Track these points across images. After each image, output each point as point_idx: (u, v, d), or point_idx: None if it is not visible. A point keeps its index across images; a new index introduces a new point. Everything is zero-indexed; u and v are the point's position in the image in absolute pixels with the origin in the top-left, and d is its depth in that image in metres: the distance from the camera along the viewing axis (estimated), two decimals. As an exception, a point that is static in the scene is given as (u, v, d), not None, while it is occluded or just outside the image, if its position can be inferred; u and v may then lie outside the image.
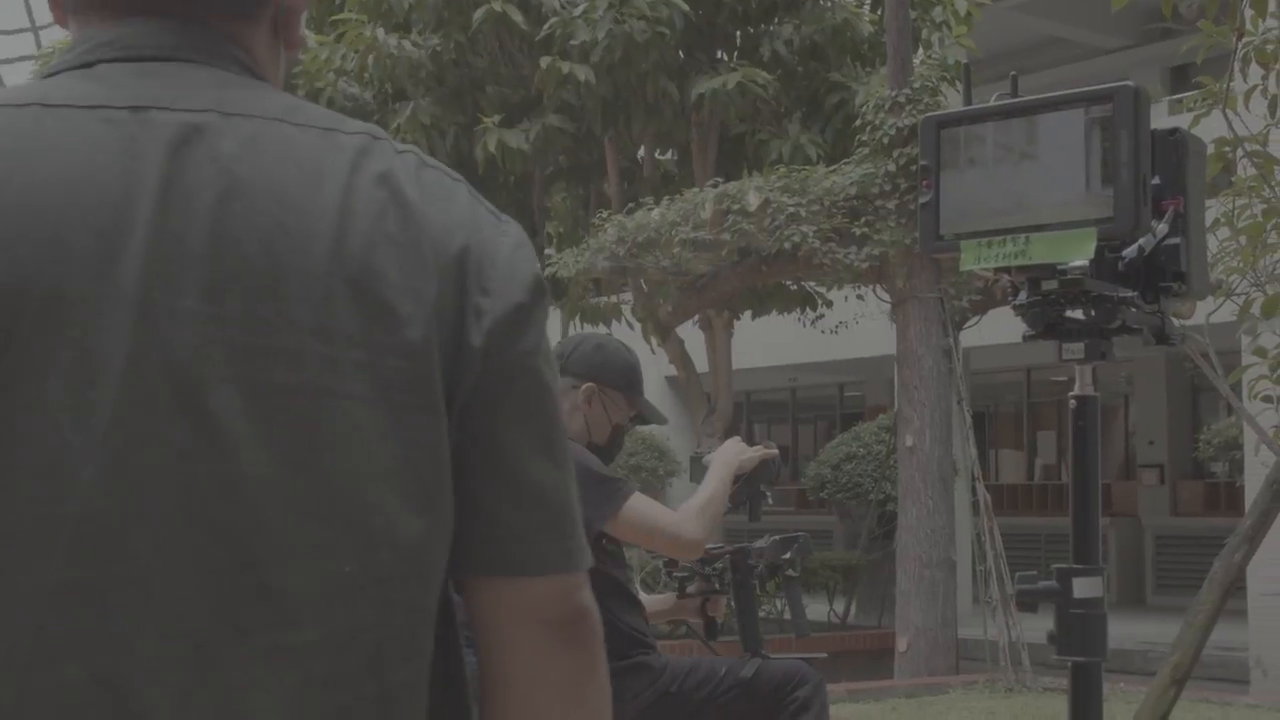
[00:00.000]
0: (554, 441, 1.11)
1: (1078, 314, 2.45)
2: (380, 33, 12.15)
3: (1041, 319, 2.45)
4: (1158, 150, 2.39)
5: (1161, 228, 2.39)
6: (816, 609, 14.24)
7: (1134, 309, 2.43)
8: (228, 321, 1.00)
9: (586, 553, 1.14)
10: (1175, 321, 2.61)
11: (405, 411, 1.04)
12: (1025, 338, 2.50)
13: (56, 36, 15.37)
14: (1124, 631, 12.62)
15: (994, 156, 2.45)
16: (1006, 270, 2.48)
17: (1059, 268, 2.38)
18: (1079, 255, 2.33)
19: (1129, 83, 2.34)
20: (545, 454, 1.10)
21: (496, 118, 11.95)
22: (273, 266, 1.02)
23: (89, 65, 1.08)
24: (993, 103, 2.49)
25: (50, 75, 1.09)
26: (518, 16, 11.69)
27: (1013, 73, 2.65)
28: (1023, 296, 2.47)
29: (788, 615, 3.94)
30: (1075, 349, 2.45)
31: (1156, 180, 2.38)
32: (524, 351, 1.09)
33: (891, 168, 10.06)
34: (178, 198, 1.01)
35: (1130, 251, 2.38)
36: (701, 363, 12.86)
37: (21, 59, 27.04)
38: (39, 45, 26.89)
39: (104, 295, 0.98)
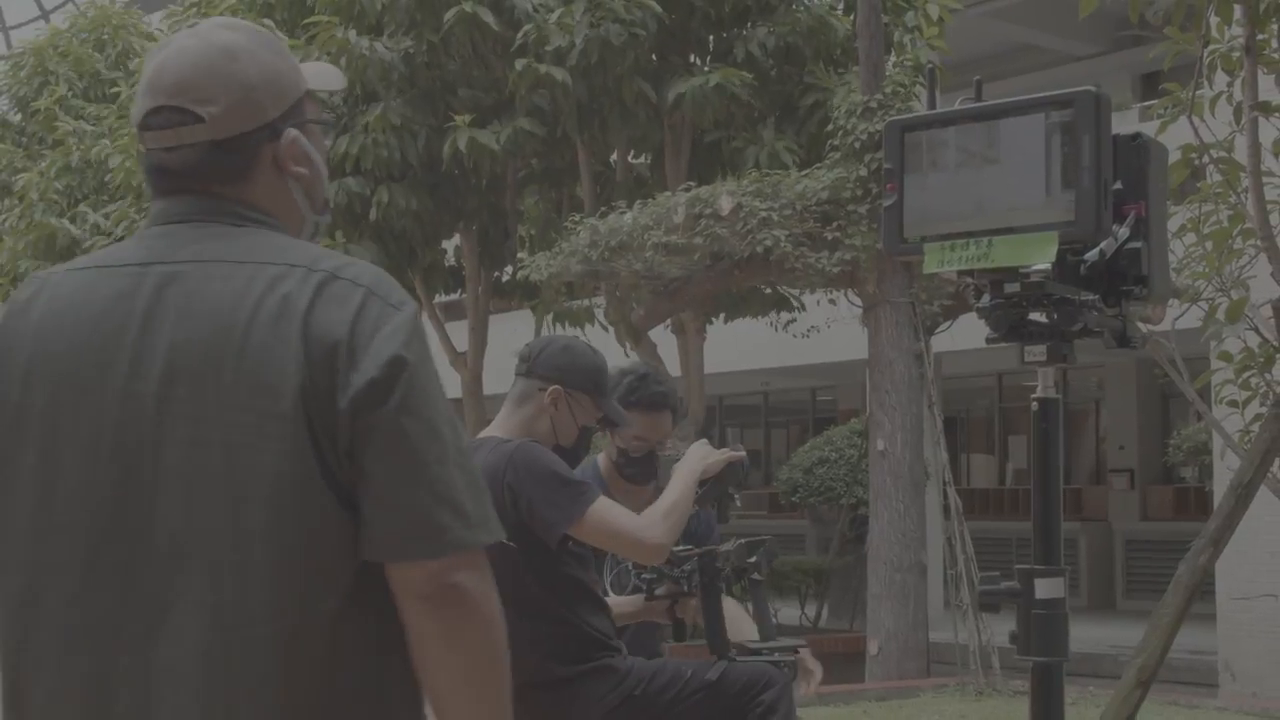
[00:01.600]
0: (415, 469, 1.62)
1: (1040, 317, 2.46)
2: (352, 35, 12.11)
3: (1004, 321, 2.46)
4: (1119, 155, 2.40)
5: (1123, 232, 2.40)
6: (788, 612, 14.25)
7: (1095, 312, 2.44)
8: (175, 402, 1.64)
9: (454, 543, 1.62)
10: (1141, 326, 2.63)
11: (282, 457, 1.60)
12: (988, 340, 2.51)
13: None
14: (1094, 635, 12.67)
15: (957, 160, 2.46)
16: (970, 273, 2.49)
17: (1021, 271, 2.38)
18: (1041, 258, 2.34)
19: (1090, 88, 2.35)
20: (406, 478, 1.62)
21: (468, 118, 11.92)
22: (202, 363, 1.63)
23: (145, 229, 1.78)
24: (956, 107, 2.49)
25: (141, 227, 1.82)
26: (489, 17, 11.66)
27: (976, 78, 2.66)
28: (986, 299, 2.48)
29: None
30: (1037, 351, 2.46)
31: (1118, 185, 2.39)
32: (383, 411, 1.61)
33: (863, 172, 10.08)
34: (153, 321, 1.66)
35: (1092, 255, 2.39)
36: (674, 367, 12.87)
37: (31, 21, 26.87)
38: (41, 8, 26.67)
39: (104, 387, 1.66)
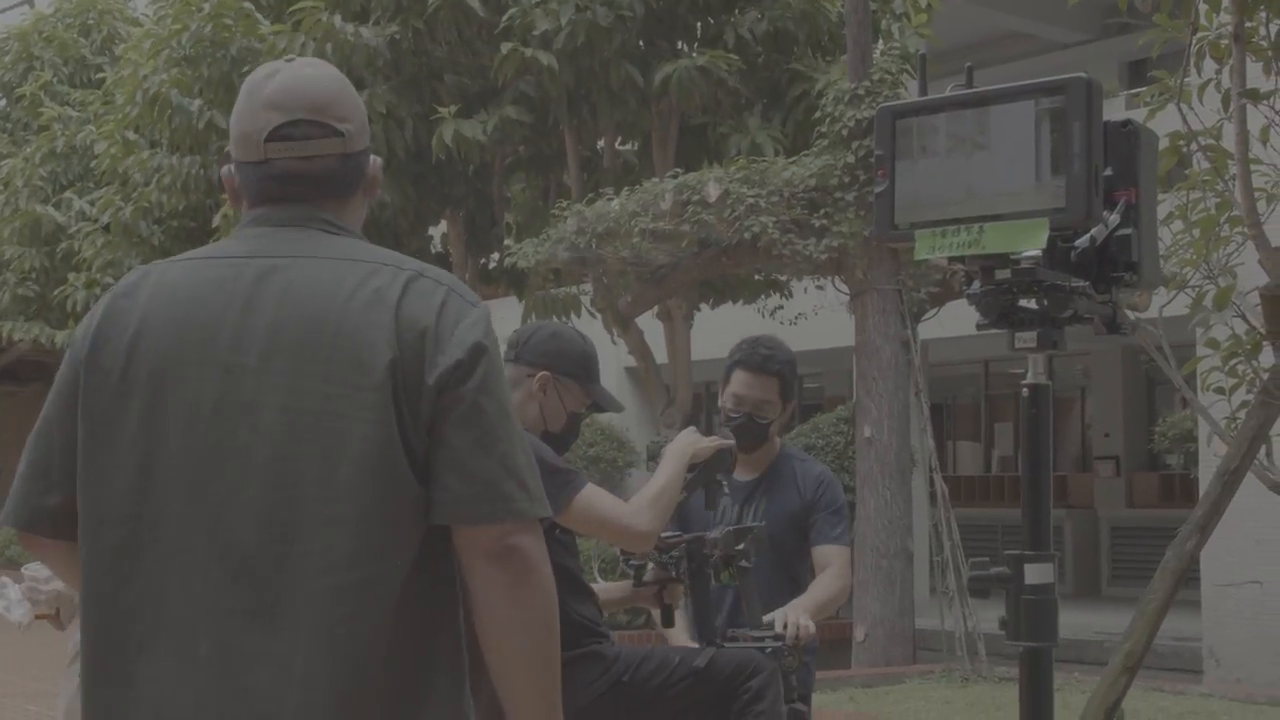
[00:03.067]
0: (488, 441, 1.87)
1: (1030, 303, 2.45)
2: (337, 20, 12.06)
3: (994, 308, 2.45)
4: (1110, 141, 2.39)
5: (1113, 218, 2.39)
6: (775, 600, 14.21)
7: (1086, 298, 2.44)
8: (272, 374, 1.86)
9: (517, 511, 1.87)
10: (1129, 313, 2.62)
11: (370, 424, 1.84)
12: (978, 327, 2.50)
13: None
14: (1079, 622, 12.71)
15: (948, 146, 2.45)
16: (960, 259, 2.48)
17: (1012, 257, 2.38)
18: (1031, 245, 2.33)
19: (1082, 74, 2.34)
20: (480, 449, 1.87)
21: (453, 108, 11.87)
22: (300, 343, 1.87)
23: (245, 228, 2.01)
24: (947, 93, 2.49)
25: (236, 230, 2.04)
26: (475, 2, 11.62)
27: (968, 64, 2.65)
28: (976, 286, 2.48)
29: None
30: (1027, 338, 2.45)
31: (1109, 171, 2.38)
32: (465, 389, 1.87)
33: (850, 159, 10.08)
34: (254, 306, 1.90)
35: (1082, 241, 2.39)
36: (661, 354, 12.86)
37: (16, 5, 26.71)
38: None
39: (205, 359, 1.89)
